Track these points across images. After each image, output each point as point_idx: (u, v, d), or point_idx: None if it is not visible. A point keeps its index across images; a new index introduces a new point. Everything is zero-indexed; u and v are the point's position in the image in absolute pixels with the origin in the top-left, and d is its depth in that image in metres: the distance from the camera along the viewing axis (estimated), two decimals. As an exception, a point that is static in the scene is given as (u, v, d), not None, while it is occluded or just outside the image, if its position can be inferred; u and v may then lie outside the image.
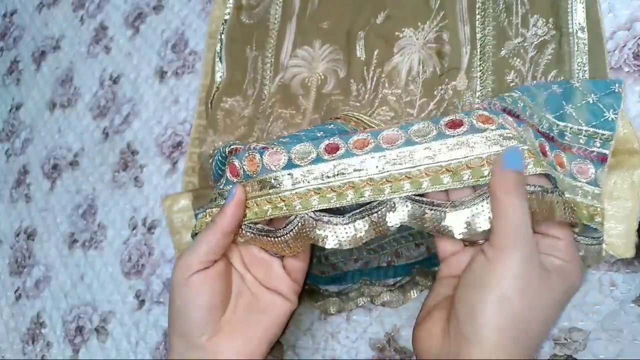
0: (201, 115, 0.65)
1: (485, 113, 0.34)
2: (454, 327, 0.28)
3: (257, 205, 0.35)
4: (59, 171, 0.82)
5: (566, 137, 0.37)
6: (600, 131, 0.37)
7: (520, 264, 0.26)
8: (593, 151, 0.36)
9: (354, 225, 0.33)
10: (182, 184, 0.63)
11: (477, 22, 0.50)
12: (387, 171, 0.33)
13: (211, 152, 0.59)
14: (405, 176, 0.33)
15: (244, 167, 0.36)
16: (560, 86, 0.40)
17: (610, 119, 0.37)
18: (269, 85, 0.61)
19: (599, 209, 0.35)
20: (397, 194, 0.32)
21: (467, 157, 0.32)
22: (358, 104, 0.53)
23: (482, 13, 0.50)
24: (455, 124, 0.33)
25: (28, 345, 0.73)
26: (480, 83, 0.48)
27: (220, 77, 0.65)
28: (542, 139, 0.36)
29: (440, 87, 0.49)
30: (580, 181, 0.36)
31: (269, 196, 0.35)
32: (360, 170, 0.34)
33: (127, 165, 0.73)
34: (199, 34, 0.72)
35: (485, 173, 0.31)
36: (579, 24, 0.44)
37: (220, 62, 0.66)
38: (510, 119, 0.34)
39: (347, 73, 0.56)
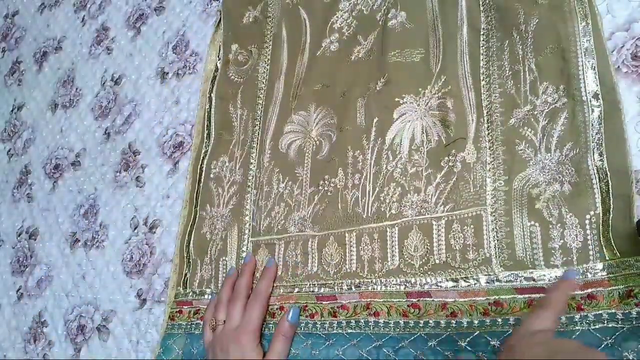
0: (192, 178, 0.64)
1: None
2: None
3: None
4: (61, 171, 0.82)
5: None
6: None
7: None
8: None
9: None
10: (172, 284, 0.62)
11: (482, 88, 0.47)
12: None
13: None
14: None
15: None
16: None
17: None
18: (256, 149, 0.59)
19: None
20: None
21: None
22: (358, 175, 0.50)
23: (487, 79, 0.47)
24: None
25: (30, 344, 0.73)
26: (490, 154, 0.44)
27: (208, 138, 0.64)
28: None
29: (446, 158, 0.46)
30: None
31: None
32: None
33: (129, 165, 0.73)
34: (199, 35, 0.73)
35: None
36: (592, 91, 0.41)
37: (210, 122, 0.65)
38: None
39: (343, 138, 0.53)
